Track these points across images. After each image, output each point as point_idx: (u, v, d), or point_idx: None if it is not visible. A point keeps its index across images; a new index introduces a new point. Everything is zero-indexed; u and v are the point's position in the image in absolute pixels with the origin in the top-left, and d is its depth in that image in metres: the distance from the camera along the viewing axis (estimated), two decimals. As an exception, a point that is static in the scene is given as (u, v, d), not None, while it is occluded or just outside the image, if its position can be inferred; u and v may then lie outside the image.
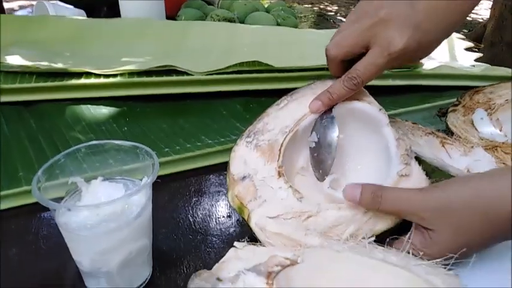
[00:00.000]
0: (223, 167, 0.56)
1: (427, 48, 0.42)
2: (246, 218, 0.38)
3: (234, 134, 0.62)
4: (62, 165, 0.35)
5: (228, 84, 0.72)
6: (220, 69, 0.71)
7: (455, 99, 0.60)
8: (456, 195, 0.33)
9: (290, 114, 0.44)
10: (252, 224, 0.38)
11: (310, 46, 0.84)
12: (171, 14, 1.08)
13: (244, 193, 0.39)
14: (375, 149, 0.44)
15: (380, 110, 0.44)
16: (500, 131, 0.54)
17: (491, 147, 0.49)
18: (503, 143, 0.51)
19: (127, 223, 0.33)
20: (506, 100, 0.55)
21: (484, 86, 0.60)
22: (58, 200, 0.35)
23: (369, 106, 0.45)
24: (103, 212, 0.32)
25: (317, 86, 0.47)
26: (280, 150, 0.42)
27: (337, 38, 0.43)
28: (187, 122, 0.65)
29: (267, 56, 0.73)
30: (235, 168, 0.41)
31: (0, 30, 0.85)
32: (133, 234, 0.34)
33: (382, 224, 0.37)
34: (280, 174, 0.40)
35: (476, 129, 0.54)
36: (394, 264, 0.31)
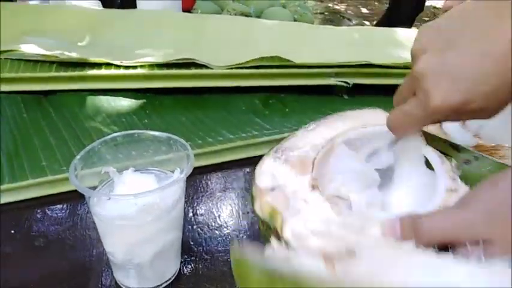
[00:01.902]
0: (246, 162, 0.56)
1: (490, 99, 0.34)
2: (278, 226, 0.33)
3: (255, 129, 0.61)
4: (98, 153, 0.35)
5: (247, 79, 0.71)
6: (240, 64, 0.70)
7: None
8: (499, 194, 0.30)
9: (320, 135, 0.42)
10: (287, 233, 0.32)
11: (329, 43, 0.83)
12: (187, 7, 1.07)
13: (274, 202, 0.35)
14: (414, 167, 0.41)
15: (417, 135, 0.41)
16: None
17: None
18: (476, 145, 0.50)
19: (163, 214, 0.32)
20: None
21: None
22: (91, 189, 0.34)
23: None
24: (140, 202, 0.31)
25: (347, 113, 0.45)
26: (313, 163, 0.38)
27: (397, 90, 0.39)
28: (207, 116, 0.65)
29: (286, 52, 0.73)
30: (262, 181, 0.37)
31: (15, 18, 0.85)
32: (167, 226, 0.34)
33: None
34: (314, 187, 0.36)
35: (444, 133, 0.53)
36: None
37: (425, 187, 0.39)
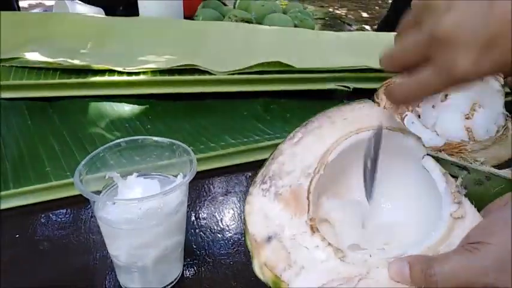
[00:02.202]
0: (248, 167, 0.57)
1: None
2: None
3: (256, 134, 0.62)
4: (102, 159, 0.35)
5: (248, 84, 0.72)
6: (241, 69, 0.71)
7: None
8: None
9: (309, 150, 0.38)
10: None
11: (330, 48, 0.84)
12: (189, 14, 1.08)
13: (274, 260, 0.32)
14: (413, 186, 0.38)
15: (418, 139, 0.39)
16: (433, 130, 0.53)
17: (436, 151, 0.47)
18: (444, 144, 0.50)
19: (166, 218, 0.33)
20: None
21: (391, 80, 0.56)
22: (95, 193, 0.35)
23: (401, 135, 0.38)
24: (144, 206, 0.32)
25: (334, 113, 0.40)
26: (308, 198, 0.35)
27: (390, 51, 0.34)
28: (209, 122, 0.65)
29: (288, 57, 0.73)
30: (256, 226, 0.34)
31: (19, 27, 0.86)
32: (170, 230, 0.34)
33: None
34: (313, 230, 0.33)
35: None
36: None
37: (423, 211, 0.36)
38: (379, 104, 0.55)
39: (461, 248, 0.30)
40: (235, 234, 0.45)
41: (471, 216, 0.33)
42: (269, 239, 0.33)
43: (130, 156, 0.37)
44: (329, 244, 0.32)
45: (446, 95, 0.55)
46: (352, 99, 0.77)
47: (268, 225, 0.33)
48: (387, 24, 2.96)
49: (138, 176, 0.37)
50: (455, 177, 0.36)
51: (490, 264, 0.28)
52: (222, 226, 0.46)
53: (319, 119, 0.40)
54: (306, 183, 0.35)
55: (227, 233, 0.45)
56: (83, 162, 0.34)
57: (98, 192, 0.35)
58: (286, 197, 0.35)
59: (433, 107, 0.55)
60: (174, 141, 0.37)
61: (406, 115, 0.54)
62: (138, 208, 0.32)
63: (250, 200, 0.35)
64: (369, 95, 0.74)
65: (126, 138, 0.37)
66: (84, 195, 0.31)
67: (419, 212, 0.38)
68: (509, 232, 0.28)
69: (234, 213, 0.48)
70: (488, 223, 0.31)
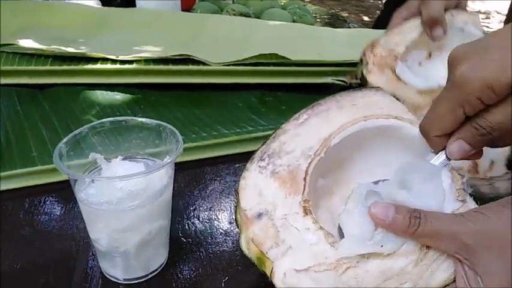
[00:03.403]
0: (239, 158, 0.56)
1: None
2: (268, 272, 0.30)
3: (250, 125, 0.61)
4: (85, 138, 0.34)
5: (244, 76, 0.71)
6: (237, 61, 0.70)
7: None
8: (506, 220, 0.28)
9: (313, 131, 0.36)
10: (278, 282, 0.29)
11: (327, 43, 0.83)
12: (187, 8, 1.07)
13: (262, 236, 0.31)
14: (416, 181, 0.36)
15: None
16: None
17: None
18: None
19: (149, 201, 0.32)
20: (406, 47, 0.53)
21: (376, 38, 0.56)
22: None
23: (410, 126, 0.36)
24: (125, 187, 0.30)
25: (343, 98, 0.39)
26: (305, 179, 0.33)
27: (427, 119, 0.33)
28: (203, 112, 0.64)
29: (284, 50, 0.72)
30: (248, 201, 0.33)
31: (15, 15, 0.85)
32: (154, 213, 0.33)
33: (441, 276, 0.29)
34: (306, 212, 0.32)
35: (404, 83, 0.51)
36: None
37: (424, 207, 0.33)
38: (367, 63, 0.53)
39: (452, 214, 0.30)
40: (224, 223, 0.44)
41: None
42: (260, 215, 0.32)
43: (115, 137, 0.36)
44: (320, 228, 0.31)
45: (430, 53, 0.56)
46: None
47: (261, 202, 0.33)
48: (379, 24, 3.12)
49: (123, 159, 0.35)
50: (462, 175, 0.34)
51: (477, 229, 0.28)
52: (210, 215, 0.45)
53: (328, 102, 0.39)
54: (304, 164, 0.34)
55: (215, 221, 0.44)
56: (64, 140, 0.32)
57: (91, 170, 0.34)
58: (283, 176, 0.34)
59: (420, 64, 0.56)
60: (160, 122, 0.36)
61: (397, 65, 0.53)
62: (119, 188, 0.30)
63: (245, 176, 0.35)
64: (366, 89, 0.73)
65: (110, 118, 0.35)
66: (64, 173, 0.30)
67: (420, 206, 0.36)
68: (508, 212, 0.28)
69: (223, 203, 0.47)
70: (484, 206, 0.30)
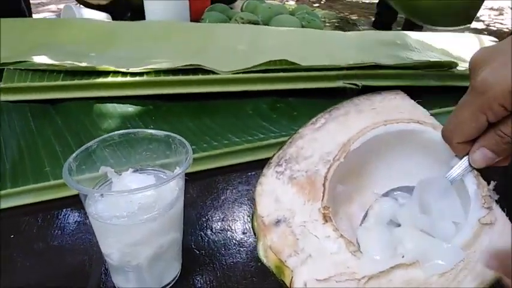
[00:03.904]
0: (251, 166, 0.55)
1: None
2: (287, 281, 0.29)
3: (261, 132, 0.60)
4: (94, 153, 0.34)
5: (254, 83, 0.70)
6: (246, 69, 0.70)
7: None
8: None
9: (331, 136, 0.36)
10: None
11: (337, 46, 0.82)
12: (196, 18, 1.08)
13: (280, 244, 0.30)
14: (433, 200, 0.34)
15: None
16: None
17: None
18: None
19: (160, 214, 0.31)
20: None
21: None
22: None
23: (432, 131, 0.35)
24: (136, 200, 0.30)
25: (362, 101, 0.38)
26: (324, 185, 0.33)
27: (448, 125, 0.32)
28: (214, 121, 0.64)
29: (294, 55, 0.72)
30: (265, 207, 0.32)
31: (28, 33, 0.87)
32: (165, 226, 0.32)
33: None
34: (326, 219, 0.31)
35: None
36: None
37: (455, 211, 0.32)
38: None
39: None
40: (238, 233, 0.43)
41: (501, 224, 0.30)
42: (277, 222, 0.31)
43: (124, 149, 0.35)
44: (341, 236, 0.30)
45: None
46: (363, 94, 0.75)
47: (279, 209, 0.32)
48: (374, 24, 3.24)
49: (133, 172, 0.35)
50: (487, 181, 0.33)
51: None
52: (223, 225, 0.44)
53: (346, 106, 0.38)
54: (323, 170, 0.33)
55: (228, 232, 0.43)
56: (73, 155, 0.32)
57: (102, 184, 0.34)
58: (301, 181, 0.33)
59: None
60: (169, 133, 0.35)
61: None
62: (129, 201, 0.30)
63: (262, 181, 0.34)
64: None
65: (120, 131, 0.35)
66: (73, 188, 0.29)
67: (443, 227, 0.33)
68: None
69: (236, 213, 0.46)
70: None
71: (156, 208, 0.31)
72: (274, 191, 0.33)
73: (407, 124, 0.36)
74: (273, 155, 0.36)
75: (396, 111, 0.37)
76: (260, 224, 0.32)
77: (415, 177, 0.34)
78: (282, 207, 0.32)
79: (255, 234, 0.32)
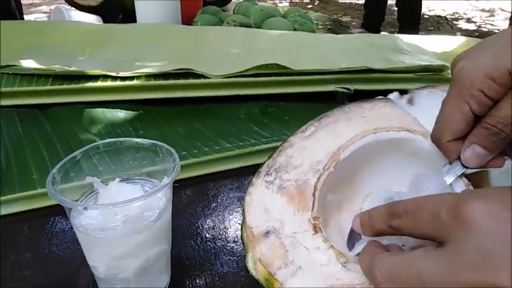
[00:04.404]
0: (242, 172, 0.54)
1: None
2: None
3: (253, 137, 0.59)
4: (79, 163, 0.33)
5: (246, 87, 0.70)
6: (238, 72, 0.69)
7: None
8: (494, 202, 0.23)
9: (321, 145, 0.35)
10: None
11: (329, 50, 0.82)
12: (187, 21, 1.07)
13: (270, 256, 0.30)
14: (435, 184, 0.33)
15: None
16: None
17: None
18: None
19: (146, 226, 0.30)
20: None
21: None
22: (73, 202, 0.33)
23: (422, 139, 0.34)
24: (121, 212, 0.29)
25: (351, 109, 0.38)
26: (314, 195, 0.32)
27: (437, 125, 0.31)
28: (205, 126, 0.63)
29: (286, 59, 0.71)
30: (254, 218, 0.32)
31: (18, 35, 0.86)
32: (152, 238, 0.32)
33: None
34: (316, 229, 0.31)
35: None
36: None
37: None
38: None
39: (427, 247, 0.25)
40: (228, 242, 0.42)
41: None
42: (267, 233, 0.31)
43: (109, 159, 0.35)
44: (331, 247, 0.30)
45: None
46: (353, 101, 0.75)
47: (268, 219, 0.32)
48: (362, 26, 3.33)
49: (120, 181, 0.34)
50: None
51: (467, 259, 0.22)
52: (214, 234, 0.43)
53: (336, 113, 0.38)
54: (313, 179, 0.33)
55: (219, 241, 0.42)
56: (57, 166, 0.32)
57: (77, 201, 0.33)
58: (290, 191, 0.33)
59: None
60: (156, 142, 0.35)
61: None
62: (113, 214, 0.29)
63: (251, 191, 0.34)
64: (370, 97, 0.71)
65: (104, 141, 0.34)
66: (56, 201, 0.29)
67: None
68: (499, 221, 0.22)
69: (227, 221, 0.46)
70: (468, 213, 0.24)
71: (142, 220, 0.30)
72: (264, 201, 0.33)
73: (397, 132, 0.35)
74: (263, 164, 0.36)
75: (386, 119, 0.37)
76: (249, 235, 0.31)
77: (403, 180, 0.33)
78: (272, 218, 0.32)
79: (244, 245, 0.32)
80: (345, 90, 0.70)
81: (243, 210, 0.33)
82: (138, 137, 0.60)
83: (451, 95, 0.30)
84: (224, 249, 0.41)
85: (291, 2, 4.58)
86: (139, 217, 0.30)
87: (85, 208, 0.30)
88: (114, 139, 0.35)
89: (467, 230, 0.23)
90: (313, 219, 0.31)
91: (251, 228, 0.31)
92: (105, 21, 1.07)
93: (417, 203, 0.26)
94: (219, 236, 0.43)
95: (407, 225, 0.26)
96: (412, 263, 0.24)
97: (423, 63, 0.76)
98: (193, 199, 0.49)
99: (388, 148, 0.36)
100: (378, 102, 0.39)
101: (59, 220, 0.45)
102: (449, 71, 0.78)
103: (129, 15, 1.07)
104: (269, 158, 0.36)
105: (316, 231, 0.31)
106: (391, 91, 0.42)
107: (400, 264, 0.24)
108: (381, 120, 0.37)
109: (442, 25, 3.88)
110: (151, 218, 0.31)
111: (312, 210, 0.32)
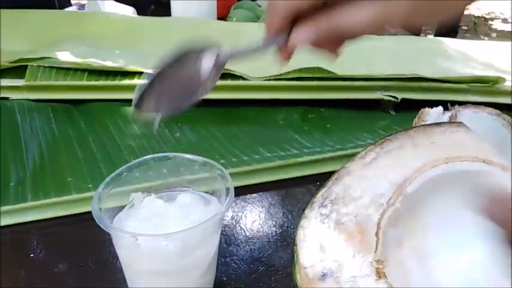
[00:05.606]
0: (286, 184, 0.51)
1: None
2: None
3: (293, 147, 0.56)
4: (124, 178, 0.31)
5: (286, 91, 0.66)
6: (278, 75, 0.66)
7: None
8: None
9: (383, 174, 0.32)
10: None
11: (376, 53, 0.77)
12: (222, 15, 1.04)
13: None
14: (495, 241, 0.30)
15: None
16: None
17: None
18: None
19: (195, 264, 0.28)
20: None
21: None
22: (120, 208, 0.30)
23: (501, 173, 0.30)
24: (172, 243, 0.27)
25: (418, 133, 0.34)
26: (377, 234, 0.29)
27: None
28: (241, 131, 0.60)
29: (329, 62, 0.67)
30: (309, 257, 0.29)
31: (51, 26, 0.85)
32: (197, 275, 0.29)
33: None
34: (380, 275, 0.27)
35: None
36: None
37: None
38: None
39: None
40: (272, 265, 0.40)
41: None
42: (323, 276, 0.28)
43: (157, 176, 0.32)
44: None
45: None
46: (399, 111, 0.71)
47: (324, 259, 0.28)
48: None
49: (166, 200, 0.32)
50: None
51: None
52: (256, 255, 0.41)
53: (400, 137, 0.34)
54: (376, 215, 0.29)
55: (261, 265, 0.40)
56: (102, 185, 0.29)
57: (122, 207, 0.31)
58: (349, 228, 0.29)
59: None
60: (207, 160, 0.32)
61: None
62: (164, 245, 0.27)
63: (304, 224, 0.30)
64: (418, 106, 0.67)
65: (153, 155, 0.32)
66: (105, 229, 0.26)
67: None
68: None
69: (270, 240, 0.43)
70: None
71: (192, 257, 0.27)
72: (319, 238, 0.29)
73: (471, 163, 0.31)
74: (317, 193, 0.32)
75: (459, 147, 0.33)
76: (303, 277, 0.28)
77: (477, 224, 0.30)
78: (328, 258, 0.28)
79: (295, 286, 0.29)
80: (391, 99, 0.66)
81: (295, 245, 0.30)
82: (175, 139, 0.57)
83: None
84: (268, 273, 0.38)
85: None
86: (189, 253, 0.27)
87: (136, 239, 0.28)
88: (164, 154, 0.32)
89: None
90: (376, 263, 0.28)
91: (305, 268, 0.28)
92: (137, 12, 1.05)
93: None
94: (263, 259, 0.40)
95: None
96: None
97: (477, 72, 0.71)
98: (232, 215, 0.46)
99: (460, 180, 0.32)
100: (449, 127, 0.35)
101: (96, 229, 0.43)
102: (505, 83, 0.72)
103: (161, 6, 1.05)
104: (323, 186, 0.33)
105: (380, 277, 0.27)
106: (440, 102, 0.38)
107: None
108: (453, 148, 0.33)
109: (478, 25, 3.73)
110: (202, 257, 0.28)
111: (376, 251, 0.28)
